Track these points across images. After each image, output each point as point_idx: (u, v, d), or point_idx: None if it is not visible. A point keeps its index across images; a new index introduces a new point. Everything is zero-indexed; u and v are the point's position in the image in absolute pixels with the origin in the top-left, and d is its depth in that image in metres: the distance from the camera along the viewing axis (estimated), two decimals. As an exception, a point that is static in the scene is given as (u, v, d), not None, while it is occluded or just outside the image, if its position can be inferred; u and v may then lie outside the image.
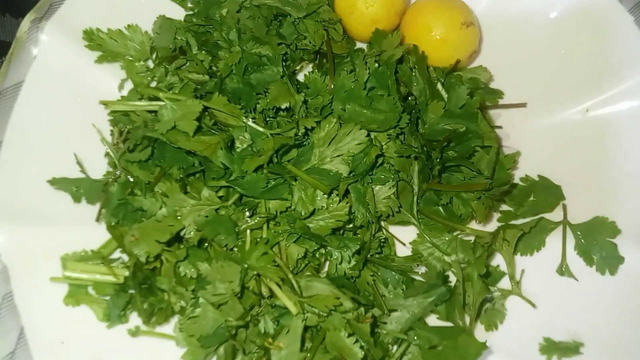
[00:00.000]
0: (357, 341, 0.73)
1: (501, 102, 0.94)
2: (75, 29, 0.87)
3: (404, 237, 0.87)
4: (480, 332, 0.83)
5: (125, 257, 0.81)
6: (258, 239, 0.76)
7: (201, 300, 0.73)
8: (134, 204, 0.76)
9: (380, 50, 0.87)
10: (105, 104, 0.80)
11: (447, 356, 0.75)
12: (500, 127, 0.94)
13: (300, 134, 0.77)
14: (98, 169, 0.85)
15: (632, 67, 0.89)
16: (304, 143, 0.79)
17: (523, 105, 0.94)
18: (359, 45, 0.97)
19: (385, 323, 0.79)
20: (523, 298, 0.84)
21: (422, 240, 0.86)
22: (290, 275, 0.74)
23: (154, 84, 0.88)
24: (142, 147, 0.75)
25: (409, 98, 0.89)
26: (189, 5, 0.94)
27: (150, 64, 0.90)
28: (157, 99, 0.79)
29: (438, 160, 0.84)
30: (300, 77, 0.94)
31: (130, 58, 0.88)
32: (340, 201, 0.78)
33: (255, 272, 0.73)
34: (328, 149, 0.80)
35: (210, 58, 0.88)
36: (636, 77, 0.89)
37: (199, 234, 0.74)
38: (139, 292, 0.76)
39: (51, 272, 0.78)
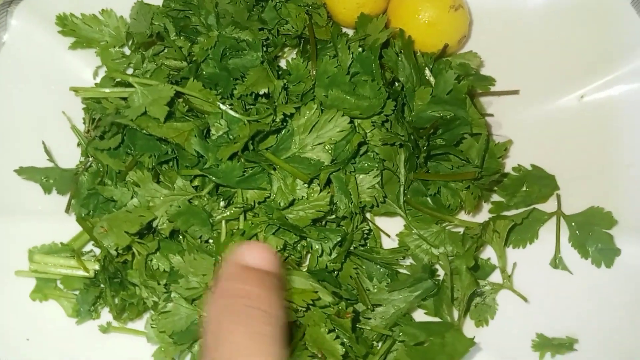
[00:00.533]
0: (337, 337, 0.69)
1: (493, 89, 0.91)
2: (47, 14, 0.84)
3: (390, 228, 0.84)
4: (470, 328, 0.80)
5: (97, 251, 0.78)
6: (234, 231, 0.73)
7: (173, 294, 0.70)
8: (104, 194, 0.72)
9: (365, 35, 0.83)
10: (75, 90, 0.77)
11: (434, 353, 0.72)
12: (491, 115, 0.91)
13: (278, 120, 0.74)
14: (72, 158, 0.82)
15: (629, 52, 0.86)
16: (283, 130, 0.76)
17: (516, 92, 0.91)
18: (344, 30, 0.94)
19: (369, 318, 0.76)
20: (515, 292, 0.80)
21: (409, 232, 0.82)
22: (267, 268, 0.70)
23: (130, 71, 0.85)
24: (112, 134, 0.72)
25: (395, 84, 0.85)
26: (167, -11, 0.90)
27: (127, 50, 0.87)
28: (130, 85, 0.76)
29: (425, 148, 0.80)
30: (283, 64, 0.91)
31: (105, 44, 0.85)
32: (321, 191, 0.75)
33: (229, 265, 0.70)
34: (309, 137, 0.76)
35: (188, 44, 0.84)
36: (633, 63, 0.86)
37: (172, 225, 0.71)
38: (109, 287, 0.73)
39: (17, 266, 0.75)
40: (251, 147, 0.73)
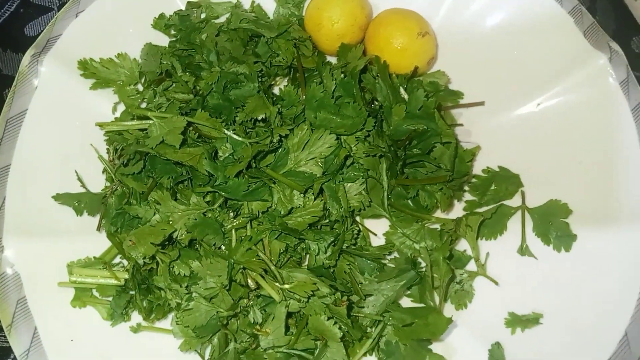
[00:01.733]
0: (335, 323, 0.81)
1: (461, 102, 1.03)
2: (70, 60, 0.97)
3: (377, 228, 0.96)
4: (450, 311, 0.91)
5: (125, 262, 0.90)
6: (242, 237, 0.85)
7: (194, 294, 0.81)
8: (131, 212, 0.85)
9: (346, 62, 0.96)
10: (100, 125, 0.89)
11: (419, 332, 0.84)
12: (461, 125, 1.03)
13: (275, 140, 0.86)
14: (97, 184, 0.94)
15: (575, 63, 0.98)
16: (280, 149, 0.88)
17: (481, 103, 1.03)
18: (329, 58, 1.07)
19: (362, 307, 0.87)
20: (488, 277, 0.92)
21: (394, 230, 0.94)
22: (272, 267, 0.83)
23: (144, 105, 0.98)
24: (135, 161, 0.85)
25: (375, 103, 0.98)
26: (172, 32, 1.03)
27: (140, 87, 1.00)
28: (147, 118, 0.88)
29: (403, 157, 0.92)
30: (276, 91, 1.04)
31: (121, 83, 0.98)
32: (315, 199, 0.87)
33: (241, 266, 0.82)
34: (302, 153, 0.89)
35: (193, 79, 0.97)
36: (579, 73, 0.98)
37: (189, 236, 0.83)
38: (138, 292, 0.85)
39: (59, 278, 0.87)
40: (253, 165, 0.86)
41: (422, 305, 0.90)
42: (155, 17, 1.02)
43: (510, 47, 1.04)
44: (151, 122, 0.85)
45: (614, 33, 1.12)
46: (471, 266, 0.95)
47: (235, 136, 0.87)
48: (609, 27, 1.13)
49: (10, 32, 1.15)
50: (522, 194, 0.97)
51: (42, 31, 1.09)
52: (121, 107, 0.99)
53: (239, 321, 0.85)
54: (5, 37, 1.14)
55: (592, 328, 0.85)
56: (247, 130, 0.92)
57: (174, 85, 0.98)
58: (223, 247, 0.86)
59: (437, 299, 0.90)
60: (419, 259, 0.93)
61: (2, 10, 1.16)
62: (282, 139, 0.88)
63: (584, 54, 0.97)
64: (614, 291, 0.85)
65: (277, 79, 1.04)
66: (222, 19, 1.06)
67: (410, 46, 0.98)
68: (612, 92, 0.95)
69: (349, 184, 0.91)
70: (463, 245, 0.96)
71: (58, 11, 1.11)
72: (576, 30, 0.99)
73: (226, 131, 0.87)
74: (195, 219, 0.84)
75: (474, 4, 1.04)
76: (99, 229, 0.89)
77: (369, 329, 0.88)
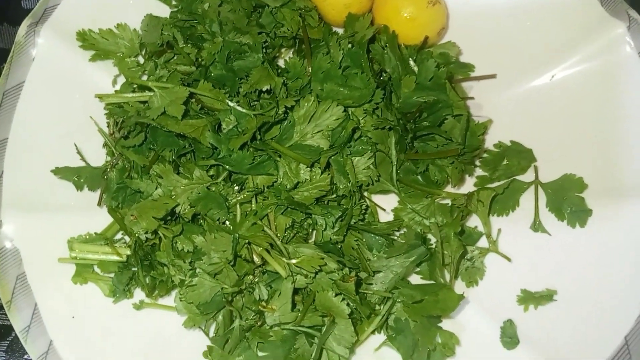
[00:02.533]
0: (343, 299, 0.79)
1: (472, 74, 1.00)
2: (69, 31, 0.94)
3: (385, 204, 0.94)
4: (462, 289, 0.89)
5: (127, 239, 0.87)
6: (247, 212, 0.83)
7: (198, 270, 0.79)
8: (132, 187, 0.82)
9: (353, 32, 0.93)
10: (100, 97, 0.87)
11: (429, 309, 0.81)
12: (472, 98, 0.99)
13: (280, 112, 0.83)
14: (98, 158, 0.92)
15: (590, 33, 0.95)
16: (285, 121, 0.85)
17: (493, 76, 0.99)
18: (334, 29, 1.03)
19: (370, 284, 0.85)
20: (500, 254, 0.90)
21: (403, 206, 0.92)
22: (278, 242, 0.80)
23: (144, 78, 0.95)
24: (136, 133, 0.82)
25: (383, 75, 0.95)
26: (174, 2, 1.00)
27: (141, 59, 0.97)
28: (148, 89, 0.85)
29: (412, 130, 0.89)
30: (281, 63, 1.01)
31: (122, 55, 0.95)
32: (322, 173, 0.84)
33: (246, 241, 0.80)
34: (308, 126, 0.86)
35: (195, 50, 0.94)
36: (596, 43, 0.94)
37: (193, 210, 0.81)
38: (141, 268, 0.83)
39: (59, 254, 0.85)
40: (258, 137, 0.83)
41: (432, 282, 0.88)
42: (156, -14, 0.98)
43: (524, 17, 1.00)
44: (152, 93, 0.82)
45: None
46: (482, 243, 0.92)
47: (239, 108, 0.84)
48: None
49: (6, 4, 1.12)
50: (535, 168, 0.95)
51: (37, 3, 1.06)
52: (121, 80, 0.96)
53: (244, 298, 0.82)
54: (1, 9, 1.11)
55: (608, 305, 0.83)
56: (252, 102, 0.89)
57: (175, 57, 0.95)
58: (227, 222, 0.83)
59: (447, 276, 0.88)
60: (429, 235, 0.90)
61: None
62: (288, 110, 0.85)
63: (602, 23, 0.94)
64: (629, 267, 0.83)
65: (282, 50, 1.01)
66: (225, -10, 1.03)
67: (419, 16, 0.94)
68: (630, 62, 0.92)
69: (356, 158, 0.88)
70: (474, 222, 0.94)
71: None
72: (594, -1, 0.95)
73: (230, 102, 0.84)
74: (199, 193, 0.81)
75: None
76: (99, 204, 0.87)
77: (377, 306, 0.86)
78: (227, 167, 0.81)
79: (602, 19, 0.94)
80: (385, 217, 0.94)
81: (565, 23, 0.97)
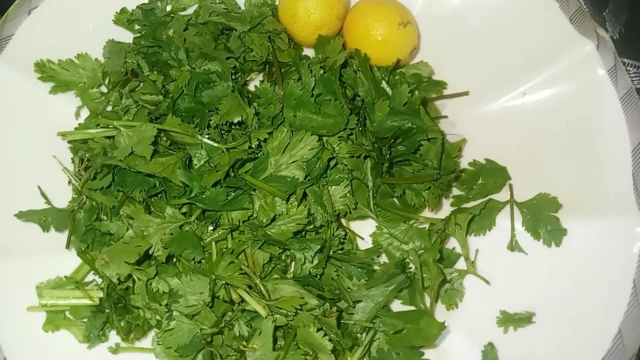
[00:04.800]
0: (325, 335, 0.78)
1: (445, 92, 1.00)
2: (26, 62, 0.89)
3: (364, 230, 0.93)
4: (441, 312, 0.89)
5: (99, 279, 0.84)
6: (224, 250, 0.80)
7: (175, 313, 0.77)
8: (102, 229, 0.79)
9: (325, 57, 0.91)
10: (63, 134, 0.83)
11: (411, 339, 0.81)
12: (445, 116, 0.99)
13: (254, 146, 0.81)
14: (64, 194, 0.88)
15: (560, 51, 0.95)
16: (259, 154, 0.83)
17: (466, 93, 0.99)
18: (306, 50, 1.01)
19: (352, 314, 0.84)
20: (478, 276, 0.90)
21: (381, 231, 0.91)
22: (257, 281, 0.79)
23: (109, 108, 0.91)
24: (103, 175, 0.79)
25: (356, 99, 0.93)
26: (136, 27, 0.96)
27: (104, 88, 0.93)
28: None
29: (388, 156, 0.88)
30: (252, 86, 0.98)
31: (84, 85, 0.91)
32: (299, 205, 0.83)
33: (223, 282, 0.78)
34: (283, 157, 0.84)
35: (162, 77, 0.91)
36: (565, 60, 0.94)
37: (167, 251, 0.78)
38: (114, 312, 0.80)
39: (28, 302, 0.81)
40: (232, 174, 0.80)
41: (412, 307, 0.87)
42: (116, 12, 0.94)
43: (493, 34, 0.99)
44: (117, 131, 0.79)
45: (625, 22, 1.10)
46: (461, 263, 0.92)
47: (210, 142, 0.81)
48: (621, 16, 1.10)
49: None
50: (510, 187, 0.95)
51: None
52: (85, 112, 0.92)
53: (223, 336, 0.81)
54: None
55: (586, 325, 0.84)
56: (223, 133, 0.86)
57: (141, 85, 0.92)
58: (203, 260, 0.81)
59: (427, 299, 0.88)
60: (409, 258, 0.90)
61: None
62: (261, 143, 0.83)
63: (570, 41, 0.94)
64: (606, 287, 0.84)
65: (252, 74, 0.98)
66: (190, 11, 0.99)
67: (391, 37, 0.93)
68: (600, 80, 0.92)
69: (333, 187, 0.87)
70: (452, 243, 0.94)
71: None
72: (562, 15, 0.95)
73: (200, 137, 0.81)
74: (172, 234, 0.78)
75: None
76: (68, 246, 0.83)
77: (359, 335, 0.85)
78: (201, 205, 0.79)
79: (570, 37, 0.94)
80: (365, 244, 0.93)
81: (535, 40, 0.97)
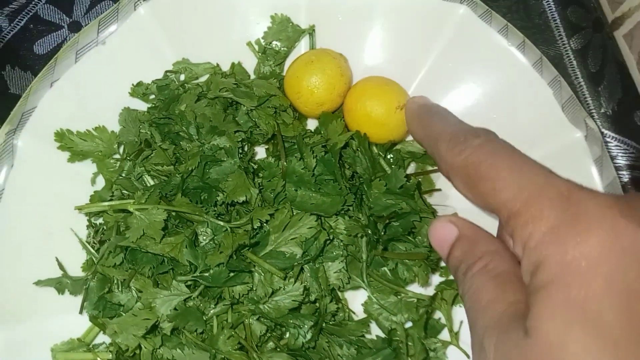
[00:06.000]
0: (317, 405, 0.85)
1: (440, 165, 1.05)
2: (47, 133, 0.94)
3: (356, 299, 0.99)
4: (425, 380, 0.96)
5: (107, 340, 0.91)
6: (224, 324, 0.87)
7: (179, 381, 0.84)
8: (113, 300, 0.86)
9: (327, 138, 0.97)
10: (80, 208, 0.89)
11: (394, 411, 0.88)
12: (439, 189, 1.05)
13: (256, 227, 0.87)
14: (80, 257, 0.95)
15: (551, 136, 0.99)
16: (259, 232, 0.90)
17: (459, 167, 1.04)
18: (308, 120, 1.07)
19: (341, 382, 0.91)
20: (460, 349, 0.96)
21: (372, 302, 0.97)
22: (255, 355, 0.85)
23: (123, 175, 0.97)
24: (115, 254, 0.85)
25: (354, 176, 0.99)
26: (151, 98, 1.02)
27: (117, 155, 0.99)
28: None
29: (383, 233, 0.94)
30: (258, 155, 1.04)
31: (100, 154, 0.97)
32: (295, 282, 0.89)
33: (222, 356, 0.84)
34: (282, 235, 0.90)
35: (173, 147, 0.97)
36: (555, 145, 0.99)
37: (171, 325, 0.85)
38: (123, 376, 0.87)
39: (44, 362, 0.89)
40: (234, 256, 0.87)
41: (398, 378, 0.94)
42: (132, 84, 1.00)
43: (489, 112, 1.04)
44: (130, 210, 0.85)
45: (619, 102, 1.15)
46: (445, 334, 0.98)
47: (216, 221, 0.88)
48: (615, 95, 1.15)
49: (19, 48, 1.13)
50: (496, 262, 1.00)
51: (51, 50, 1.14)
52: (100, 179, 0.98)
53: (222, 402, 0.88)
54: (13, 54, 1.12)
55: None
56: (228, 208, 0.92)
57: (153, 154, 0.97)
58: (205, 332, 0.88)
59: (412, 369, 0.94)
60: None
61: (12, 25, 1.14)
62: (262, 223, 0.89)
63: (561, 128, 0.99)
64: None
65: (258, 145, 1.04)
66: (203, 79, 1.05)
67: (389, 120, 0.98)
68: (586, 169, 0.97)
69: (329, 263, 0.93)
70: (438, 313, 1.00)
71: (69, 30, 1.15)
72: (555, 102, 1.00)
73: (206, 216, 0.88)
74: (177, 309, 0.85)
75: (449, 71, 1.04)
76: (81, 312, 0.90)
77: (348, 402, 0.92)
78: (205, 283, 0.85)
79: (561, 124, 0.99)
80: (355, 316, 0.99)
81: (529, 123, 1.02)
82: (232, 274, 0.87)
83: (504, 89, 1.02)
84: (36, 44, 1.14)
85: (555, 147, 0.99)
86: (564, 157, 0.98)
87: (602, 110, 1.16)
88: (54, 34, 1.15)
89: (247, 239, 0.85)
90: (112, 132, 0.97)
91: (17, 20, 1.15)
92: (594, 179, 0.96)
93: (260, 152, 1.06)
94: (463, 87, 1.04)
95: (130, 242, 0.83)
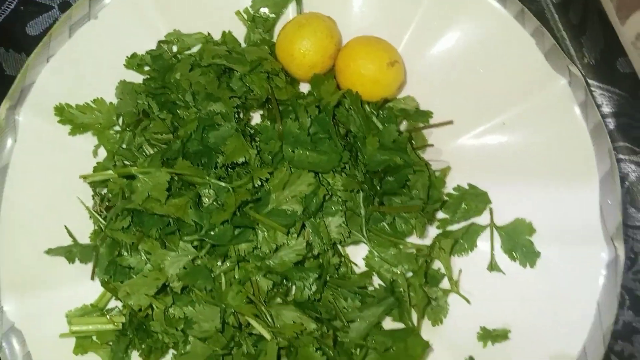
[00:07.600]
0: (324, 354, 0.88)
1: (431, 121, 1.08)
2: (47, 107, 0.97)
3: (358, 253, 1.02)
4: (428, 327, 0.99)
5: (120, 305, 0.94)
6: (232, 279, 0.90)
7: (190, 337, 0.87)
8: (123, 264, 0.89)
9: (319, 97, 0.99)
10: (84, 177, 0.92)
11: (399, 356, 0.91)
12: (432, 145, 1.08)
13: (257, 185, 0.90)
14: (88, 226, 0.97)
15: (536, 85, 1.02)
16: (261, 190, 0.92)
17: (450, 122, 1.07)
18: (301, 84, 1.09)
19: (347, 332, 0.94)
20: (460, 295, 1.00)
21: (373, 255, 1.01)
22: (262, 308, 0.88)
23: (124, 146, 0.99)
24: (122, 217, 0.88)
25: (348, 135, 1.02)
26: (146, 69, 1.04)
27: (117, 128, 1.01)
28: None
29: (379, 189, 0.97)
30: (254, 120, 1.07)
31: (100, 126, 0.99)
32: (298, 237, 0.92)
33: (232, 310, 0.88)
34: (283, 193, 0.93)
35: (171, 116, 0.99)
36: (541, 94, 1.02)
37: (181, 283, 0.88)
38: (136, 336, 0.90)
39: (59, 329, 0.91)
40: (238, 213, 0.89)
41: (401, 325, 0.97)
42: (127, 57, 1.02)
43: (475, 67, 1.07)
44: (134, 174, 0.88)
45: (601, 51, 1.18)
46: (445, 283, 1.02)
47: (217, 182, 0.90)
48: (597, 45, 1.18)
49: (11, 30, 1.15)
50: (491, 211, 1.04)
51: (43, 30, 1.15)
52: (102, 149, 1.00)
53: (233, 356, 0.91)
54: (6, 36, 1.14)
55: (555, 341, 0.94)
56: (228, 171, 0.95)
57: (152, 124, 1.00)
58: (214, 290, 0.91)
59: (414, 317, 0.98)
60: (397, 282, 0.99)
61: (2, 8, 1.15)
62: (263, 182, 0.91)
63: (545, 76, 1.02)
64: (573, 307, 0.94)
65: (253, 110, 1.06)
66: (195, 49, 1.07)
67: (381, 77, 1.01)
68: (572, 114, 1.00)
69: (329, 218, 0.96)
70: (437, 263, 1.03)
71: (59, 10, 1.17)
72: (538, 52, 1.03)
73: (208, 178, 0.90)
74: (185, 268, 0.88)
75: (436, 27, 1.06)
76: (92, 278, 0.93)
77: (353, 351, 0.95)
78: (211, 241, 0.88)
79: (545, 73, 1.02)
80: (358, 267, 1.02)
81: (513, 74, 1.05)
82: (236, 232, 0.90)
83: (489, 42, 1.05)
84: (28, 25, 1.15)
85: (541, 95, 1.03)
86: (550, 105, 1.02)
87: (585, 61, 1.19)
88: (45, 14, 1.16)
89: (249, 195, 0.88)
90: (111, 103, 0.99)
91: (7, 3, 1.16)
92: (579, 123, 1.00)
93: (256, 118, 1.08)
94: (450, 43, 1.07)
95: (136, 205, 0.86)
